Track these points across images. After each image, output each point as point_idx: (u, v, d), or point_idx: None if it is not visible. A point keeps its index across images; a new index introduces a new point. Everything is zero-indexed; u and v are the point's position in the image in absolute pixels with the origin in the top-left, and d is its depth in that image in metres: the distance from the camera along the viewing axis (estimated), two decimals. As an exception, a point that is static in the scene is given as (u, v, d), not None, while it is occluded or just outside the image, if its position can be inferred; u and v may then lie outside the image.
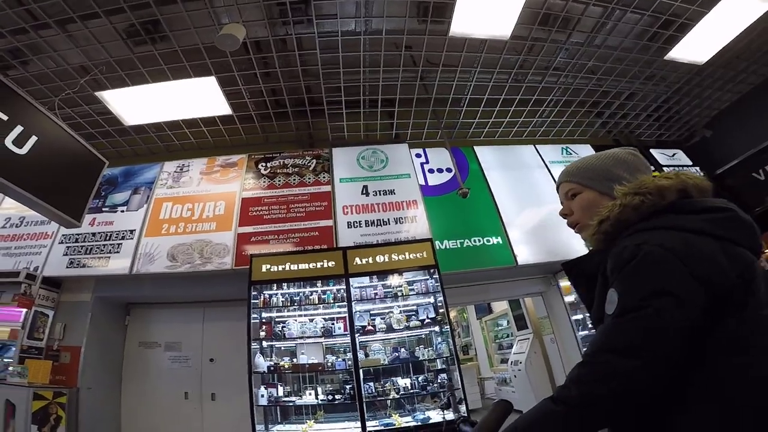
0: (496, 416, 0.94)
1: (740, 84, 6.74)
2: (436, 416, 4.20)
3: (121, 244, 5.38)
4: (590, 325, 5.44)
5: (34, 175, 3.03)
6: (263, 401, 4.22)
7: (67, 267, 5.28)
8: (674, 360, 0.80)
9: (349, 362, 4.41)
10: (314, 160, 6.20)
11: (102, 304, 5.43)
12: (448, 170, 6.38)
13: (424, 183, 6.22)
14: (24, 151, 3.02)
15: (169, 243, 5.32)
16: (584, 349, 5.30)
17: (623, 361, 0.79)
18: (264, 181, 5.95)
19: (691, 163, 7.52)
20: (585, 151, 7.17)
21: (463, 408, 4.17)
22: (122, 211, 5.73)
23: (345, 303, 4.61)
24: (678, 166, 7.39)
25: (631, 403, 0.80)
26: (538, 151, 6.90)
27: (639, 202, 0.98)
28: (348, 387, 4.34)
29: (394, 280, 4.99)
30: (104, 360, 5.35)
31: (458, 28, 4.72)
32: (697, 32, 5.22)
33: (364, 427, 4.01)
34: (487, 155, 6.72)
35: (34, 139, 3.11)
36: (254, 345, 4.43)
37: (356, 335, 4.50)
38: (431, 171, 6.46)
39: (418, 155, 6.59)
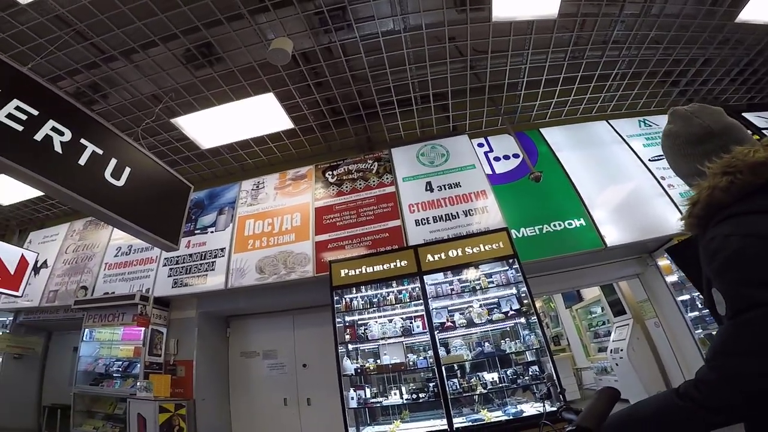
0: (602, 403, 0.90)
1: None
2: (529, 409, 4.00)
3: (215, 261, 5.93)
4: (700, 306, 4.83)
5: (133, 205, 3.21)
6: (353, 403, 4.32)
7: (172, 287, 5.94)
8: None
9: (431, 360, 4.35)
10: (376, 163, 6.32)
11: (205, 318, 6.02)
12: (515, 156, 6.10)
13: (491, 172, 6.00)
14: (121, 183, 3.19)
15: (256, 257, 5.74)
16: (708, 340, 4.62)
17: (748, 363, 0.76)
18: (333, 189, 6.20)
19: None
20: (663, 119, 6.39)
21: (561, 397, 3.90)
22: (212, 232, 6.33)
23: (421, 301, 4.59)
24: None
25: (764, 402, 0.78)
26: (612, 126, 6.33)
27: (728, 183, 0.90)
28: (431, 385, 4.28)
29: (470, 273, 4.84)
30: (213, 371, 5.88)
31: (500, 12, 4.55)
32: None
33: (450, 424, 3.93)
34: (555, 136, 6.31)
35: (128, 170, 3.28)
36: (341, 348, 4.57)
37: (435, 332, 4.44)
38: (497, 159, 6.22)
39: (480, 145, 6.38)
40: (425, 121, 6.43)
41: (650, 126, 6.39)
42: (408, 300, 4.76)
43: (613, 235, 5.06)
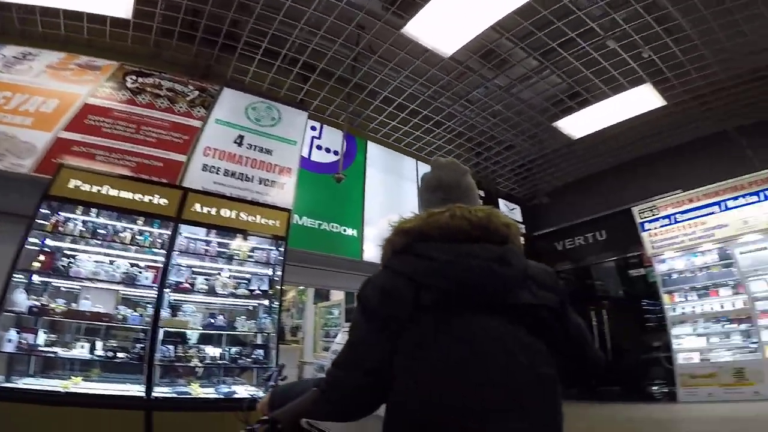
0: (306, 402, 0.98)
1: (588, 166, 8.17)
2: (243, 391, 3.90)
3: None
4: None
5: None
6: (9, 347, 3.28)
7: None
8: (380, 374, 0.91)
9: (148, 319, 3.77)
10: (197, 92, 5.38)
11: None
12: (335, 153, 6.20)
13: (307, 156, 5.93)
14: None
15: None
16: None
17: (343, 375, 0.96)
18: (124, 94, 4.92)
19: (521, 220, 8.94)
20: None
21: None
22: None
23: (164, 251, 3.95)
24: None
25: (354, 404, 0.97)
26: (417, 167, 7.23)
27: (388, 241, 1.06)
28: (139, 346, 3.71)
29: (235, 241, 4.51)
30: None
31: (413, 28, 4.67)
32: (590, 110, 6.10)
33: (149, 392, 3.49)
34: (375, 152, 6.80)
35: None
36: (18, 276, 3.41)
37: (167, 290, 3.90)
38: (319, 147, 6.22)
39: (313, 128, 6.27)
40: (279, 81, 5.95)
41: (441, 181, 7.63)
42: (148, 245, 4.01)
43: (370, 252, 5.72)
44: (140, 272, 3.93)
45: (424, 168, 7.35)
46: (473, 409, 0.83)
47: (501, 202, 8.62)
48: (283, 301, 8.68)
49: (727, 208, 6.00)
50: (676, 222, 6.42)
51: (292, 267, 5.07)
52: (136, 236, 3.99)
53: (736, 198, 5.95)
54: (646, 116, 6.25)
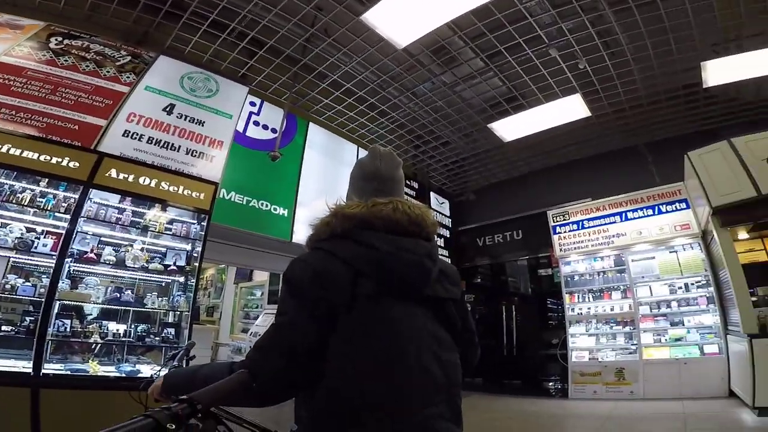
0: (230, 384, 0.86)
1: (513, 168, 8.74)
2: (148, 371, 3.74)
3: None
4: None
5: None
6: None
7: None
8: (304, 358, 0.91)
9: (42, 290, 3.49)
10: (129, 57, 4.94)
11: None
12: (273, 131, 6.06)
13: (242, 131, 5.72)
14: None
15: None
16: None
17: (267, 359, 0.93)
18: (45, 55, 4.41)
19: (449, 214, 9.44)
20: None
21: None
22: None
23: (68, 216, 3.68)
24: (441, 213, 9.19)
25: (275, 388, 0.94)
26: (357, 153, 7.27)
27: (326, 223, 1.05)
28: (29, 319, 3.43)
29: (152, 211, 4.30)
30: None
31: (372, 16, 4.66)
32: (523, 115, 6.47)
33: (37, 368, 3.27)
34: (316, 135, 6.72)
35: None
36: None
37: (68, 260, 3.64)
38: (256, 124, 6.02)
39: (252, 103, 6.06)
40: (223, 53, 5.67)
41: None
42: (50, 208, 3.70)
43: (301, 233, 5.69)
44: (38, 238, 3.63)
45: (363, 154, 7.43)
46: (406, 396, 0.89)
47: (432, 195, 8.98)
48: (200, 279, 8.48)
49: (627, 219, 6.73)
50: (583, 228, 7.10)
51: (214, 243, 4.96)
52: (37, 198, 3.66)
53: (635, 210, 6.70)
54: (571, 125, 6.80)
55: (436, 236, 1.14)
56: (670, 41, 5.15)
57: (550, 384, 7.14)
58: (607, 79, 5.91)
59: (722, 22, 4.82)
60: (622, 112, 6.71)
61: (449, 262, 8.73)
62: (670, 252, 6.36)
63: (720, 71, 5.45)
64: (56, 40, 4.68)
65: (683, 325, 5.92)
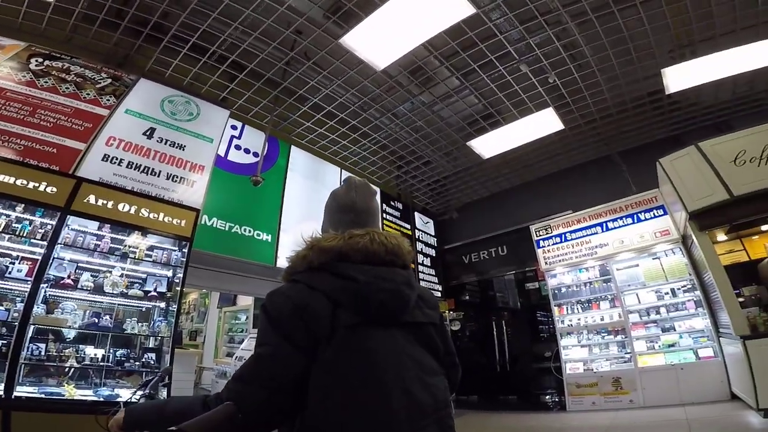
0: (217, 416, 0.87)
1: (494, 185, 8.89)
2: (128, 395, 3.65)
3: None
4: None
5: None
6: None
7: None
8: (286, 389, 0.92)
9: (16, 314, 3.46)
10: (110, 80, 5.01)
11: None
12: (255, 154, 6.13)
13: (223, 155, 5.77)
14: None
15: None
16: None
17: (248, 390, 0.93)
18: (24, 76, 4.44)
19: (434, 233, 9.50)
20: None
21: (164, 392, 3.79)
22: None
23: (45, 243, 3.67)
24: (426, 233, 9.24)
25: (258, 420, 0.92)
26: (341, 176, 7.36)
27: (303, 256, 1.07)
28: (0, 342, 3.37)
29: (131, 239, 4.29)
30: None
31: (350, 39, 4.80)
32: (500, 131, 6.64)
33: (8, 391, 3.22)
34: (299, 158, 6.81)
35: None
36: None
37: (44, 285, 3.62)
38: (238, 147, 6.09)
39: (234, 127, 6.14)
40: (203, 77, 5.79)
41: (366, 191, 7.85)
42: (25, 235, 3.69)
43: (285, 259, 5.63)
44: (12, 263, 3.60)
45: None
46: (391, 423, 0.89)
47: (417, 215, 9.07)
48: (182, 304, 8.33)
49: (608, 229, 6.81)
50: (566, 240, 7.15)
51: (196, 269, 4.92)
52: (13, 224, 3.66)
53: (614, 219, 6.78)
54: (547, 139, 7.01)
55: (410, 263, 1.18)
56: (630, 50, 5.41)
57: (547, 397, 6.99)
58: (576, 92, 6.14)
59: (675, 28, 5.06)
60: (593, 122, 6.95)
61: (437, 280, 8.83)
62: (653, 258, 6.41)
63: (679, 77, 5.68)
64: (36, 60, 4.70)
65: (674, 330, 5.90)
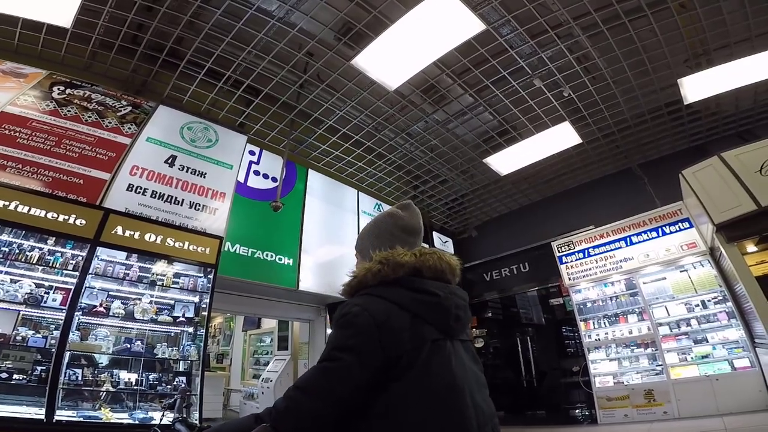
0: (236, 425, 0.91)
1: (512, 202, 8.81)
2: (161, 418, 3.75)
3: None
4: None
5: None
6: None
7: None
8: (349, 405, 0.92)
9: (53, 341, 3.59)
10: (130, 107, 5.18)
11: None
12: (274, 179, 6.25)
13: (243, 181, 5.90)
14: None
15: None
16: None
17: (306, 400, 0.91)
18: (48, 105, 4.60)
19: (453, 252, 9.24)
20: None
21: (195, 414, 3.86)
22: None
23: (77, 273, 3.81)
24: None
25: None
26: (358, 198, 7.43)
27: (377, 270, 1.08)
28: (40, 369, 3.52)
29: (158, 266, 4.42)
30: None
31: (362, 60, 4.84)
32: (516, 147, 6.62)
33: (50, 415, 3.34)
34: (316, 181, 6.91)
35: None
36: None
37: (77, 313, 3.75)
38: (257, 173, 6.22)
39: (251, 152, 6.27)
40: (220, 103, 5.91)
41: (381, 211, 7.86)
42: (58, 266, 3.84)
43: (307, 281, 5.73)
44: (47, 293, 3.75)
45: (365, 199, 7.61)
46: (468, 430, 0.95)
47: (435, 235, 9.04)
48: (209, 328, 8.43)
49: (632, 243, 6.66)
50: (590, 255, 7.01)
51: (221, 294, 5.02)
52: (46, 256, 3.82)
53: (638, 234, 6.62)
54: (565, 153, 6.95)
55: None
56: (645, 61, 5.36)
57: (576, 411, 6.79)
58: (592, 104, 6.09)
59: (688, 37, 5.01)
60: (611, 135, 6.87)
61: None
62: (681, 271, 6.22)
63: (697, 87, 5.57)
64: (59, 89, 4.82)
65: (707, 342, 5.70)
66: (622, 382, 6.11)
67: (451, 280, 1.16)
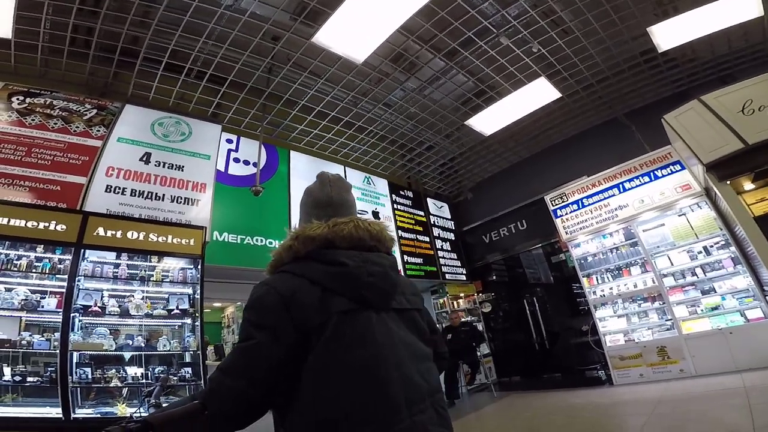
0: (182, 411, 0.91)
1: (502, 160, 8.67)
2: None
3: None
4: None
5: None
6: None
7: None
8: (270, 384, 0.93)
9: (56, 343, 3.79)
10: (95, 110, 5.13)
11: None
12: (255, 165, 6.22)
13: (223, 169, 5.89)
14: None
15: None
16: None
17: (227, 380, 0.93)
18: (11, 116, 4.58)
19: (450, 217, 9.34)
20: (382, 183, 8.08)
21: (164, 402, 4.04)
22: None
23: (66, 276, 3.96)
24: (441, 217, 9.11)
25: (238, 412, 0.93)
26: (345, 173, 7.36)
27: (288, 246, 1.08)
28: (51, 370, 3.73)
29: (146, 262, 4.55)
30: None
31: (323, 37, 4.77)
32: (497, 107, 6.52)
33: (67, 413, 3.56)
34: (300, 162, 6.87)
35: None
36: None
37: (74, 314, 3.93)
38: (237, 160, 6.19)
39: (229, 141, 6.22)
40: (187, 95, 5.86)
41: (371, 184, 7.81)
42: (48, 272, 4.01)
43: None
44: (42, 298, 3.93)
45: (353, 174, 7.57)
46: (393, 407, 0.90)
47: (429, 201, 8.97)
48: (222, 318, 8.65)
49: (625, 189, 6.48)
50: (584, 206, 6.86)
51: (217, 284, 5.15)
52: (34, 263, 3.97)
53: (631, 180, 6.44)
54: (547, 108, 6.82)
55: (392, 249, 1.20)
56: (609, 12, 5.18)
57: (592, 372, 6.75)
58: (565, 58, 5.95)
59: None
60: (590, 87, 6.73)
61: (459, 264, 8.74)
62: (679, 215, 6.06)
63: (667, 35, 5.51)
64: (18, 99, 4.73)
65: (715, 291, 5.52)
66: (633, 340, 6.00)
67: (376, 247, 1.11)
